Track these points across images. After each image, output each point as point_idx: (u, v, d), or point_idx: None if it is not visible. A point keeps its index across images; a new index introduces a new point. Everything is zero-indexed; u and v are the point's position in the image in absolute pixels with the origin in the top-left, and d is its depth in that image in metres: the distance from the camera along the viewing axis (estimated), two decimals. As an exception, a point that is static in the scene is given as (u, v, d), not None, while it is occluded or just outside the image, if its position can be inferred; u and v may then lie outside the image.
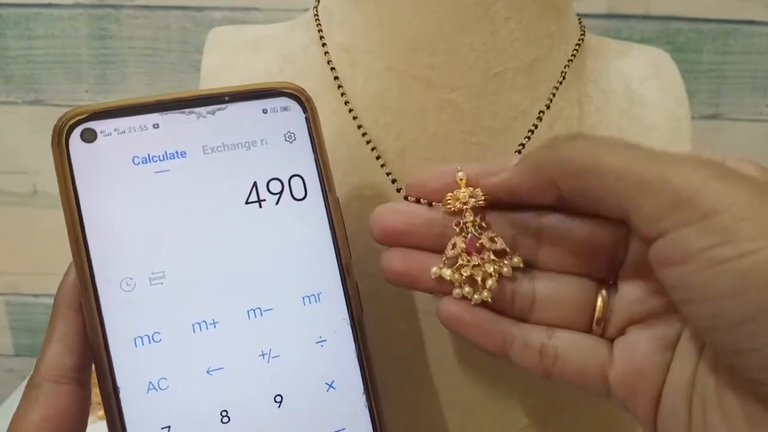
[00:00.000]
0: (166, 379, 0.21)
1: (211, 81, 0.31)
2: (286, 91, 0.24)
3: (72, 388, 0.22)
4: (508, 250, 0.24)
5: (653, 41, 0.68)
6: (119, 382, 0.21)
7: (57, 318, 0.22)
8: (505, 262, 0.24)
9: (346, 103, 0.29)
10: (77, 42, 0.70)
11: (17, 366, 0.83)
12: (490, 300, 0.24)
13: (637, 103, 0.32)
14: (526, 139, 0.28)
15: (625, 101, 0.31)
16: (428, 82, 0.28)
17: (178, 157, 0.22)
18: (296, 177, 0.24)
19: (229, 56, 0.32)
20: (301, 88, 0.25)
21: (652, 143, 0.31)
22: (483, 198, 0.24)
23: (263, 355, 0.23)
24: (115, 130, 0.22)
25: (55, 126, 0.22)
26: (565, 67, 0.30)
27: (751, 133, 0.72)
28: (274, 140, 0.24)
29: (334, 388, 0.23)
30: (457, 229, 0.24)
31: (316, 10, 0.32)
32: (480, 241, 0.24)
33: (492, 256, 0.24)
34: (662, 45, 0.67)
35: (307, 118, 0.24)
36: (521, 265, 0.24)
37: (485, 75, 0.28)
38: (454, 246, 0.24)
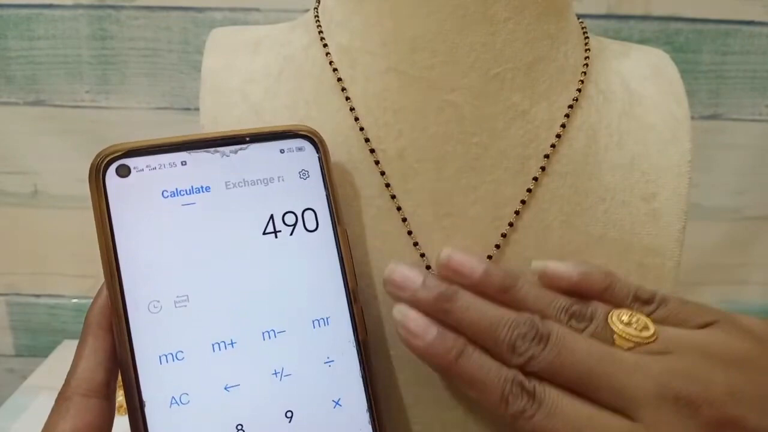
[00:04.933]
0: (187, 394, 0.23)
1: (211, 81, 0.31)
2: (301, 133, 0.27)
3: (99, 401, 0.23)
4: None
5: (653, 41, 0.68)
6: (145, 397, 0.22)
7: (88, 336, 0.24)
8: None
9: (348, 100, 0.29)
10: (78, 43, 0.70)
11: (17, 366, 0.83)
12: None
13: (637, 103, 0.32)
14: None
15: (624, 101, 0.32)
16: (428, 82, 0.29)
17: (202, 192, 0.25)
18: (309, 210, 0.26)
19: (229, 57, 0.32)
20: (315, 131, 0.27)
21: (651, 143, 0.31)
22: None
23: (276, 373, 0.24)
24: (147, 166, 0.24)
25: (93, 162, 0.23)
26: (582, 74, 0.30)
27: (750, 133, 0.72)
28: (289, 177, 0.26)
29: (340, 406, 0.25)
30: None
31: (317, 11, 0.32)
32: None
33: None
34: (662, 45, 0.67)
35: (319, 158, 0.27)
36: None
37: (485, 75, 0.29)
38: None
